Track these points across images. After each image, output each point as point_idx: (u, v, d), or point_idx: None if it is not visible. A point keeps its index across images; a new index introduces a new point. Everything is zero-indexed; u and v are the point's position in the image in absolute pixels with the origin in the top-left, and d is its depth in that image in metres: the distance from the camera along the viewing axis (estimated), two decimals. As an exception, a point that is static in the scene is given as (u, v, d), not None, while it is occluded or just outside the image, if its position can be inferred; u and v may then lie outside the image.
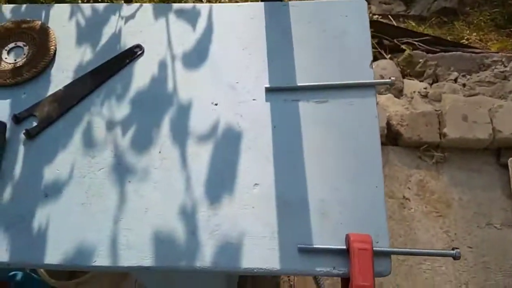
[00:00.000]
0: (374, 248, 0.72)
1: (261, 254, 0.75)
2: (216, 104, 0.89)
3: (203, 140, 0.85)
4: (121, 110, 0.89)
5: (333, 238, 0.76)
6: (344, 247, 0.74)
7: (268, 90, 0.90)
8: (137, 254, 0.75)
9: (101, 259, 0.75)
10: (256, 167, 0.83)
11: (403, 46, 2.42)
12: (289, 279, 1.87)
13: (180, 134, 0.86)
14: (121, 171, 0.83)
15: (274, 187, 0.81)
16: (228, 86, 0.91)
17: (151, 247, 0.76)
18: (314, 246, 0.75)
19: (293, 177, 0.82)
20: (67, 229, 0.78)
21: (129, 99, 0.91)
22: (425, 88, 2.29)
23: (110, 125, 0.88)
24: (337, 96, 0.88)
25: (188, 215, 0.78)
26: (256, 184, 0.81)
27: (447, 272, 1.85)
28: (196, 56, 0.95)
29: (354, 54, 0.92)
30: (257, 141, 0.85)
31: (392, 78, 0.92)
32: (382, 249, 0.74)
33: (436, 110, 2.12)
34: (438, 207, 1.97)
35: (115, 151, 0.85)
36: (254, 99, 0.89)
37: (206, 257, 0.75)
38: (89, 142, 0.86)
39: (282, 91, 0.90)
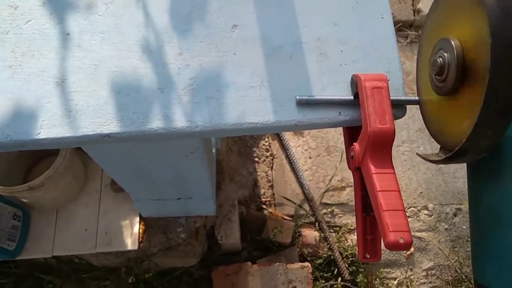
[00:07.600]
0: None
1: (250, 107, 0.60)
2: None
3: (159, -24, 0.65)
4: None
5: (336, 82, 0.62)
6: (351, 96, 0.60)
7: None
8: (92, 120, 0.58)
9: (46, 131, 0.57)
10: (232, 5, 0.65)
11: None
12: (266, 174, 1.79)
13: (128, -31, 0.65)
14: (55, 22, 0.63)
15: (258, 28, 0.64)
16: None
17: (110, 110, 0.59)
18: (315, 97, 0.60)
19: (279, 13, 0.65)
20: (-7, 101, 0.59)
21: None
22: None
23: (31, -35, 0.66)
24: None
25: (152, 70, 0.61)
26: (235, 26, 0.64)
27: (426, 151, 1.82)
28: None
29: None
30: (230, -27, 0.66)
31: None
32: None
33: (409, -15, 1.97)
34: (413, 88, 1.89)
35: (44, -2, 0.64)
36: None
37: (182, 117, 0.59)
38: (6, -9, 0.64)
39: None
